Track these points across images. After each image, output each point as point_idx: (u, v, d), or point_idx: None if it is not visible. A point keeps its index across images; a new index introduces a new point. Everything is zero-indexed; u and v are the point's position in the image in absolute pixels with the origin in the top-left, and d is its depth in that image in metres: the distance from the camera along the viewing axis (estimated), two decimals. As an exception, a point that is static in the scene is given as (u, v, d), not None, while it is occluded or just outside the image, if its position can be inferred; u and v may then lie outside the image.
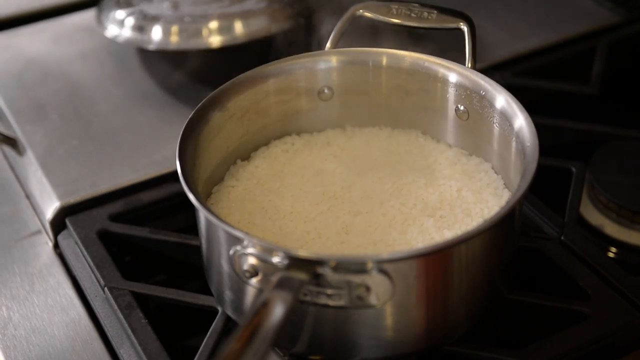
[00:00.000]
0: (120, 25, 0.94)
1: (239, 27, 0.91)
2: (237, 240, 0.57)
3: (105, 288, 0.70)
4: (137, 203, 0.80)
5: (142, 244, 0.76)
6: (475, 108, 0.70)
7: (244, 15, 0.92)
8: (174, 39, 0.91)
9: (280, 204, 0.69)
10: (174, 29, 0.91)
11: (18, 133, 0.89)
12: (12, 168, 0.89)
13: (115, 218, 0.78)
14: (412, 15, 0.72)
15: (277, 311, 0.53)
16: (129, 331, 0.66)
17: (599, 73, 0.94)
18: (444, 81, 0.72)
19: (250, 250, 0.57)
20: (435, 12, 0.71)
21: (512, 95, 0.67)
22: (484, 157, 0.72)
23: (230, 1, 0.94)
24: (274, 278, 0.55)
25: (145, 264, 0.78)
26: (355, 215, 0.68)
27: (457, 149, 0.74)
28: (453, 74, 0.71)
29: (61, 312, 0.72)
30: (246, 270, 0.57)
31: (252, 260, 0.57)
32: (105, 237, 0.76)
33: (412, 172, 0.71)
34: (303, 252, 0.56)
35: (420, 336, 0.61)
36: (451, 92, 0.72)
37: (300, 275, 0.55)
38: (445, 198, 0.68)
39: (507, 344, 0.65)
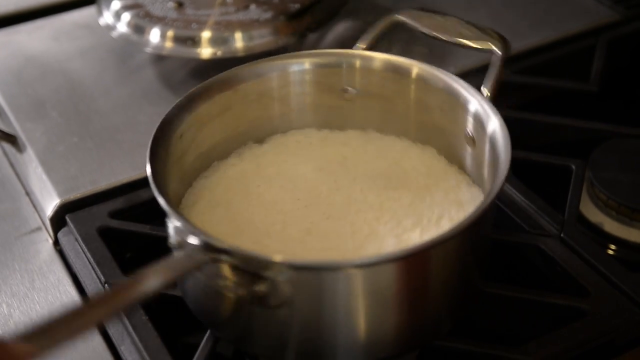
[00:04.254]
0: (117, 19, 0.94)
1: (238, 39, 0.90)
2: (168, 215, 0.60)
3: (106, 285, 0.71)
4: (138, 200, 0.80)
5: (142, 241, 0.76)
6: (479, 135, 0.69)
7: (246, 27, 0.91)
8: (169, 44, 0.91)
9: (265, 192, 0.69)
10: (170, 33, 0.91)
11: (18, 130, 0.89)
12: (12, 165, 0.89)
13: (115, 215, 0.78)
14: (451, 29, 0.70)
15: (155, 278, 0.55)
16: (130, 328, 0.66)
17: (598, 71, 0.94)
18: (464, 106, 0.69)
19: (175, 224, 0.59)
20: (475, 29, 0.69)
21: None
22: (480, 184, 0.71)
23: (235, 7, 0.93)
24: (179, 253, 0.59)
25: (145, 260, 0.77)
26: (326, 219, 0.67)
27: (465, 176, 0.72)
28: (474, 100, 0.68)
29: (62, 309, 0.72)
30: (174, 244, 0.60)
31: (177, 237, 0.60)
32: (105, 234, 0.76)
33: (404, 190, 0.70)
34: (213, 241, 0.57)
35: (390, 342, 0.61)
36: (469, 120, 0.69)
37: (203, 257, 0.57)
38: (421, 222, 0.66)
39: (507, 340, 0.65)
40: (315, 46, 0.96)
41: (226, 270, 0.58)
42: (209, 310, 0.64)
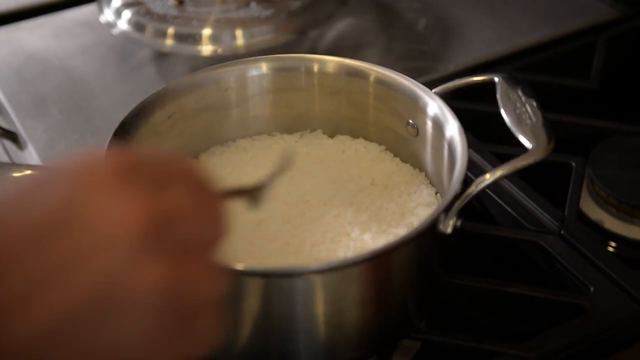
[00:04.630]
0: (117, 16, 0.95)
1: (239, 36, 0.90)
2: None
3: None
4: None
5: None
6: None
7: (247, 24, 0.91)
8: (169, 42, 0.91)
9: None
10: (170, 31, 0.91)
11: (19, 127, 0.89)
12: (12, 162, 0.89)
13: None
14: (520, 110, 0.66)
15: None
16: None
17: (599, 68, 0.94)
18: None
19: None
20: (541, 123, 0.65)
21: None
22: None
23: (236, 4, 0.93)
24: None
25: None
26: (286, 222, 0.66)
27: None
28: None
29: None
30: None
31: None
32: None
33: (366, 193, 0.69)
34: None
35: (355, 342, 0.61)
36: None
37: None
38: (381, 225, 0.65)
39: (507, 337, 0.65)
40: (315, 43, 0.96)
41: None
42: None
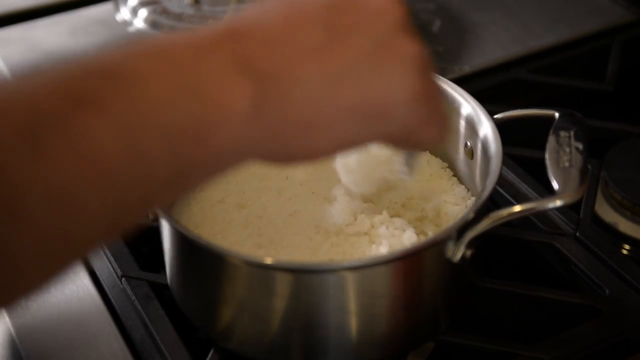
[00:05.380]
0: (134, 15, 0.95)
1: None
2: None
3: (123, 278, 0.71)
4: (154, 195, 0.80)
5: (158, 235, 0.76)
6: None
7: None
8: None
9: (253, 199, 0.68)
10: (185, 29, 0.91)
11: (35, 124, 0.89)
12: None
13: (131, 210, 0.78)
14: (562, 148, 0.64)
15: None
16: (147, 321, 0.67)
17: (614, 71, 0.94)
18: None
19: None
20: (574, 166, 0.63)
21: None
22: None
23: (252, 4, 0.93)
24: None
25: (161, 255, 0.78)
26: (314, 226, 0.65)
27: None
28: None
29: (78, 303, 0.72)
30: None
31: None
32: (122, 228, 0.76)
33: (399, 191, 0.68)
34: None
35: (384, 342, 0.61)
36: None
37: None
38: (413, 224, 0.65)
39: (522, 338, 0.65)
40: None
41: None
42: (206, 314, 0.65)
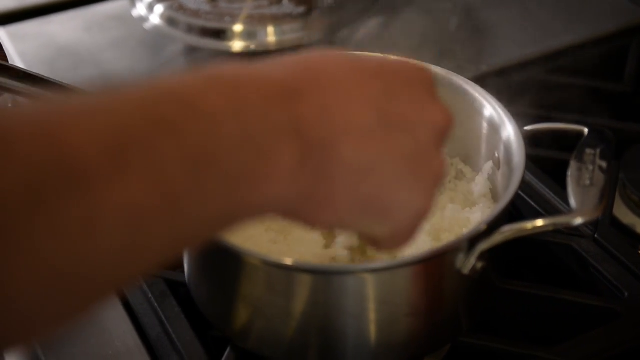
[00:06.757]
0: (150, 11, 0.95)
1: (270, 33, 0.90)
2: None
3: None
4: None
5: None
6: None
7: (279, 21, 0.91)
8: (201, 37, 0.91)
9: None
10: (202, 26, 0.91)
11: (51, 120, 0.89)
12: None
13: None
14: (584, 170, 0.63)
15: None
16: (163, 319, 0.67)
17: (632, 71, 0.94)
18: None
19: None
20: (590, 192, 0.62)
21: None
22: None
23: (268, 1, 0.93)
24: None
25: (177, 252, 0.78)
26: None
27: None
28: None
29: (94, 299, 0.72)
30: None
31: None
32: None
33: None
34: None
35: (403, 345, 0.61)
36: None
37: None
38: (432, 225, 0.64)
39: (540, 340, 0.64)
40: (347, 42, 0.96)
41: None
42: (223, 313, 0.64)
